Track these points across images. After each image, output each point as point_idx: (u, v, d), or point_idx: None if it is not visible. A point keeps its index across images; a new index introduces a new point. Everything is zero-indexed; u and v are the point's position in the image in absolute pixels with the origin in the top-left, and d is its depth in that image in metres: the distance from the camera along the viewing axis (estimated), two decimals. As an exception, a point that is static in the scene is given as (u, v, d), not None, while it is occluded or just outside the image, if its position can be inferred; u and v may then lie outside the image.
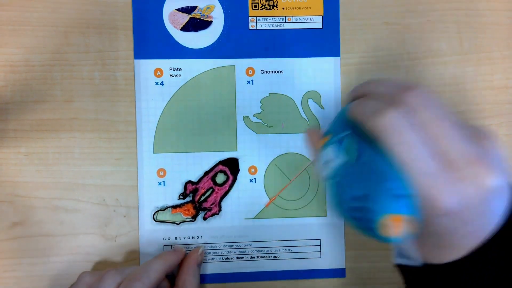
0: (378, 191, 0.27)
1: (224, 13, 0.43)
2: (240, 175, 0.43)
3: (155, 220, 0.43)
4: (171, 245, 0.43)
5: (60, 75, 0.42)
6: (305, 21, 0.43)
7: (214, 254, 0.43)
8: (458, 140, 0.27)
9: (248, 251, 0.43)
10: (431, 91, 0.29)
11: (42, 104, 0.42)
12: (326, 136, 0.32)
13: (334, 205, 0.31)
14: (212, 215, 0.43)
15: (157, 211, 0.43)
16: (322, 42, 0.44)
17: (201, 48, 0.43)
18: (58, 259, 0.42)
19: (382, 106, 0.28)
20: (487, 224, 0.28)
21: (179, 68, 0.43)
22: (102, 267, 0.42)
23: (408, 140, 0.27)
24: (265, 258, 0.44)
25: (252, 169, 0.43)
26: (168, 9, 0.43)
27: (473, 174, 0.27)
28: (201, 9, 0.43)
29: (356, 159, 0.29)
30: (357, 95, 0.32)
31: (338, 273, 0.44)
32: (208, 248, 0.43)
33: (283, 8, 0.43)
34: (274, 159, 0.44)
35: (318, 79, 0.44)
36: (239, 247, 0.43)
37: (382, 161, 0.27)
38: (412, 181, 0.26)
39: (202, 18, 0.43)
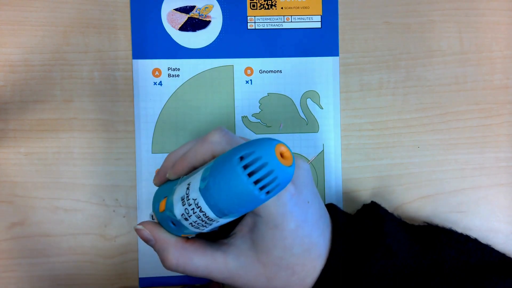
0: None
1: (223, 12, 0.43)
2: (239, 175, 0.43)
3: (154, 220, 0.42)
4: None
5: (59, 75, 0.42)
6: (304, 20, 0.43)
7: (213, 254, 0.43)
8: None
9: (247, 251, 0.43)
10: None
11: (42, 104, 0.42)
12: (160, 203, 0.32)
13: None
14: (211, 215, 0.43)
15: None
16: (321, 41, 0.43)
17: (200, 48, 0.43)
18: (58, 259, 0.42)
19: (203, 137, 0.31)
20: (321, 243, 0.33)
21: (177, 68, 0.43)
22: (102, 267, 0.43)
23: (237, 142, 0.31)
24: (264, 259, 0.43)
25: (251, 169, 0.43)
26: (167, 9, 0.43)
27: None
28: (200, 8, 0.43)
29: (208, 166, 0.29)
30: (164, 171, 0.34)
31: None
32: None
33: (282, 8, 0.43)
34: (273, 159, 0.43)
35: (317, 79, 0.44)
36: (238, 247, 0.43)
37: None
38: None
39: (200, 18, 0.43)
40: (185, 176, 0.31)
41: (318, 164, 0.44)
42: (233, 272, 0.32)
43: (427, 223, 0.40)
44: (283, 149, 0.27)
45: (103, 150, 0.43)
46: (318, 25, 0.43)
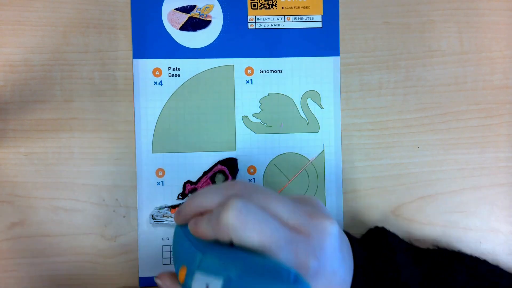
0: None
1: (223, 12, 0.43)
2: (239, 175, 0.43)
3: (154, 220, 0.42)
4: (170, 245, 0.43)
5: (59, 75, 0.42)
6: (305, 20, 0.43)
7: (213, 254, 0.43)
8: (292, 207, 0.30)
9: (248, 251, 0.43)
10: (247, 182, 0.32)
11: (42, 104, 0.42)
12: (180, 268, 0.31)
13: None
14: (211, 215, 0.43)
15: (156, 211, 0.43)
16: (322, 41, 0.44)
17: (200, 48, 0.43)
18: (58, 259, 0.42)
19: (220, 210, 0.29)
20: (348, 272, 0.32)
21: (177, 67, 0.43)
22: (102, 267, 0.42)
23: (258, 222, 0.28)
24: (265, 258, 0.43)
25: (251, 169, 0.43)
26: (167, 9, 0.43)
27: (318, 225, 0.30)
28: (200, 8, 0.43)
29: (230, 274, 0.28)
30: (185, 216, 0.32)
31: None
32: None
33: (282, 8, 0.43)
34: (273, 159, 0.43)
35: (317, 78, 0.44)
36: (239, 247, 0.43)
37: (253, 263, 0.27)
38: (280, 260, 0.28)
39: (201, 18, 0.43)
40: (206, 255, 0.30)
41: (318, 164, 0.44)
42: None
43: (437, 246, 0.40)
44: None
45: (103, 150, 0.43)
46: (319, 25, 0.44)
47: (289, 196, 0.32)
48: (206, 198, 0.31)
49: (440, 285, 0.35)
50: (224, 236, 0.28)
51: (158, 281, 0.33)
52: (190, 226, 0.31)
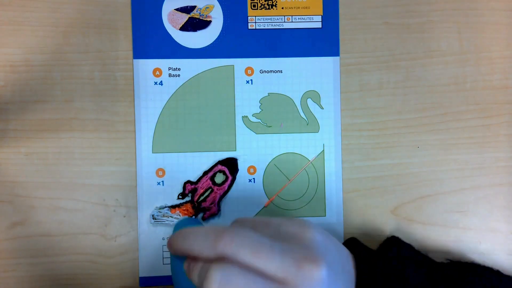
0: None
1: (223, 12, 0.43)
2: (239, 175, 0.43)
3: (154, 220, 0.42)
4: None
5: (60, 75, 0.42)
6: (305, 20, 0.43)
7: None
8: (280, 257, 0.29)
9: (248, 251, 0.43)
10: (240, 223, 0.32)
11: (42, 104, 0.42)
12: None
13: None
14: (211, 215, 0.43)
15: (156, 210, 0.43)
16: (322, 41, 0.44)
17: (200, 48, 0.43)
18: (58, 259, 0.42)
19: (203, 279, 0.30)
20: None
21: (178, 67, 0.43)
22: (102, 267, 0.43)
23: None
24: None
25: (251, 169, 0.43)
26: (167, 9, 0.43)
27: (306, 274, 0.30)
28: (200, 8, 0.43)
29: None
30: (176, 253, 0.33)
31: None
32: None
33: (282, 8, 0.43)
34: (273, 159, 0.43)
35: (317, 78, 0.44)
36: (239, 247, 0.43)
37: None
38: None
39: (201, 18, 0.43)
40: None
41: (318, 164, 0.44)
42: None
43: (450, 260, 0.40)
44: None
45: (103, 150, 0.43)
46: (319, 25, 0.44)
47: (282, 223, 0.32)
48: (194, 245, 0.31)
49: None
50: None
51: None
52: (185, 267, 0.33)
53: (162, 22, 0.43)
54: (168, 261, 0.43)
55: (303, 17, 0.43)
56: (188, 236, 0.32)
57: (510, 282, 0.38)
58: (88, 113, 0.43)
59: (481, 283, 0.36)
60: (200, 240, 0.31)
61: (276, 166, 0.44)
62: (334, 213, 0.44)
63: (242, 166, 0.43)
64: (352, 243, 0.39)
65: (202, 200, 0.43)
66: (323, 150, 0.44)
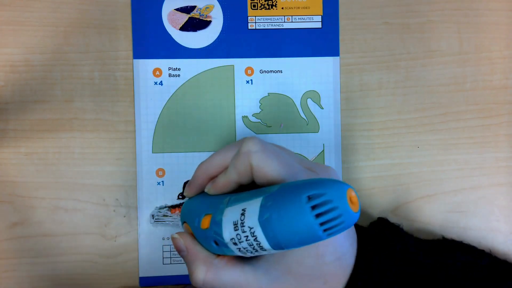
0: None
1: (223, 12, 0.43)
2: (239, 175, 0.43)
3: (154, 220, 0.43)
4: (171, 245, 0.43)
5: (60, 75, 0.42)
6: (304, 20, 0.43)
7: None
8: (304, 159, 0.33)
9: (248, 251, 0.43)
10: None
11: (42, 104, 0.42)
12: (203, 218, 0.31)
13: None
14: (211, 215, 0.43)
15: (156, 210, 0.43)
16: (322, 41, 0.44)
17: (200, 48, 0.43)
18: (58, 259, 0.42)
19: (237, 151, 0.31)
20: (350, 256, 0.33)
21: (178, 68, 0.43)
22: (102, 267, 0.43)
23: (276, 152, 0.31)
24: (265, 258, 0.43)
25: (251, 169, 0.43)
26: (167, 9, 0.43)
27: (328, 170, 0.33)
28: (200, 8, 0.43)
29: (270, 190, 0.28)
30: (200, 181, 0.34)
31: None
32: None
33: (282, 8, 0.43)
34: (273, 159, 0.43)
35: (317, 79, 0.44)
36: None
37: (286, 184, 0.28)
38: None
39: (201, 18, 0.43)
40: (233, 196, 0.30)
41: (318, 164, 0.44)
42: (263, 286, 0.31)
43: (443, 236, 0.41)
44: (353, 194, 0.26)
45: (103, 150, 0.43)
46: (319, 25, 0.44)
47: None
48: (220, 155, 0.32)
49: (441, 260, 0.35)
50: (245, 169, 0.30)
51: (178, 240, 0.33)
52: (208, 187, 0.32)
53: (162, 22, 0.43)
54: (168, 261, 0.43)
55: (303, 17, 0.43)
56: (210, 157, 0.33)
57: (501, 261, 0.38)
58: (88, 113, 0.43)
59: (471, 249, 0.37)
60: (225, 150, 0.32)
61: (276, 166, 0.43)
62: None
63: (242, 166, 0.43)
64: None
65: (202, 200, 0.43)
66: (323, 150, 0.44)
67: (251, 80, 0.43)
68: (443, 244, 0.37)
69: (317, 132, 0.44)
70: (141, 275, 0.43)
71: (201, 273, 0.31)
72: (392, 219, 0.44)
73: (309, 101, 0.44)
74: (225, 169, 0.32)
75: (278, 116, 0.43)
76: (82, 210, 0.42)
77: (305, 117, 0.44)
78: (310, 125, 0.44)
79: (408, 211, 0.44)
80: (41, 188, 0.42)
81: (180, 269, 0.43)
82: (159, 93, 0.43)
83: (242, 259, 0.32)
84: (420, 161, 0.44)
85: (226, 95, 0.43)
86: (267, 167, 0.29)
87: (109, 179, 0.43)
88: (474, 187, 0.44)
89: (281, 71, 0.43)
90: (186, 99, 0.43)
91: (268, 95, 0.44)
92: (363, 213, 0.44)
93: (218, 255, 0.32)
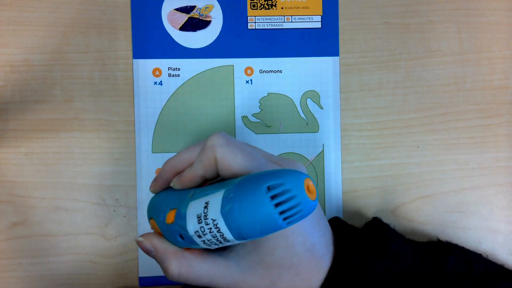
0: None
1: (223, 12, 0.43)
2: (239, 175, 0.43)
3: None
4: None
5: (60, 75, 0.42)
6: (304, 20, 0.43)
7: (213, 254, 0.43)
8: (270, 154, 0.33)
9: (247, 251, 0.43)
10: None
11: (42, 104, 0.42)
12: (167, 213, 0.32)
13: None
14: (211, 215, 0.43)
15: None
16: (321, 41, 0.44)
17: (200, 48, 0.43)
18: (58, 259, 0.42)
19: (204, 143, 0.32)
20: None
21: (177, 67, 0.43)
22: (102, 267, 0.43)
23: (241, 146, 0.31)
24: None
25: (251, 169, 0.43)
26: (167, 9, 0.43)
27: (293, 163, 0.33)
28: (200, 8, 0.43)
29: (232, 182, 0.29)
30: (166, 176, 0.34)
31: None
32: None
33: (282, 8, 0.43)
34: (273, 159, 0.43)
35: (317, 78, 0.44)
36: (238, 247, 0.43)
37: (249, 176, 0.28)
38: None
39: (200, 18, 0.43)
40: (197, 190, 0.31)
41: (318, 164, 0.44)
42: (235, 277, 0.31)
43: (438, 238, 0.41)
44: (310, 183, 0.27)
45: (103, 150, 0.43)
46: (318, 25, 0.44)
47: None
48: (188, 151, 0.33)
49: (430, 261, 0.35)
50: (210, 162, 0.31)
51: (144, 243, 0.33)
52: (174, 182, 0.33)
53: (162, 22, 0.43)
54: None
55: (302, 17, 0.43)
56: (176, 154, 0.34)
57: (491, 262, 0.37)
58: (88, 113, 0.43)
59: (460, 254, 0.36)
60: (193, 146, 0.33)
61: (276, 166, 0.43)
62: (333, 213, 0.44)
63: (242, 166, 0.43)
64: (336, 220, 0.38)
65: (202, 200, 0.43)
66: (323, 150, 0.44)
67: (251, 80, 0.43)
68: (437, 247, 0.37)
69: (317, 132, 0.44)
70: (141, 275, 0.43)
71: (175, 267, 0.31)
72: (392, 219, 0.44)
73: (309, 101, 0.44)
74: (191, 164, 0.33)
75: (278, 116, 0.43)
76: (82, 210, 0.42)
77: (304, 117, 0.44)
78: (310, 125, 0.44)
79: (408, 211, 0.44)
80: (41, 188, 0.42)
81: (180, 269, 0.43)
82: (158, 93, 0.43)
83: (213, 252, 0.32)
84: (420, 161, 0.44)
85: (226, 95, 0.43)
86: (231, 160, 0.30)
87: (109, 179, 0.43)
88: (474, 187, 0.44)
89: (280, 71, 0.43)
90: (185, 99, 0.43)
91: (268, 95, 0.44)
92: (363, 213, 0.44)
93: (187, 249, 0.32)
